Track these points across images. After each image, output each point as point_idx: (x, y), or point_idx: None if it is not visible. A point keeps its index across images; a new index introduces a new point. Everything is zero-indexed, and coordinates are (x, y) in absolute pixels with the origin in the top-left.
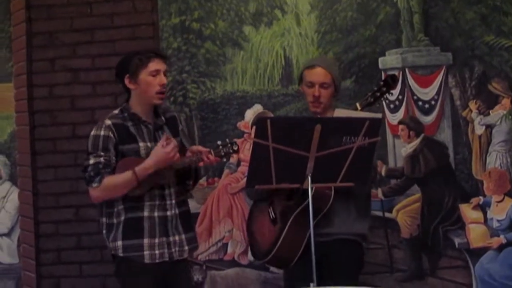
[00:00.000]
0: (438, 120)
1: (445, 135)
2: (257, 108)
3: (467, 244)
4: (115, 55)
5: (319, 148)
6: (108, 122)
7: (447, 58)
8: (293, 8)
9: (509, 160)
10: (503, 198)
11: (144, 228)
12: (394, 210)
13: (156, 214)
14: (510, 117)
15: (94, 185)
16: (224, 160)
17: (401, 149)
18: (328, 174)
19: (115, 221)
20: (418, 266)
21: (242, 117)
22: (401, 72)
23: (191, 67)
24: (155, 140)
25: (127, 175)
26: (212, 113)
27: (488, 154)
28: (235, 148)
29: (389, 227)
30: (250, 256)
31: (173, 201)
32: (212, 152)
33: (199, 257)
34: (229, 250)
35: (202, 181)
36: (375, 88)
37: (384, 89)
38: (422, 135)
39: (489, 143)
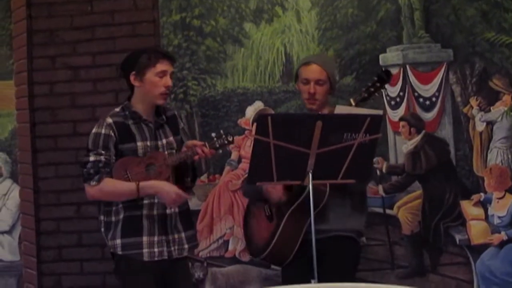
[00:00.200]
0: (439, 116)
1: (446, 132)
2: (258, 105)
3: (468, 240)
4: (116, 53)
5: (320, 145)
6: (109, 120)
7: (448, 55)
8: (294, 5)
9: (510, 156)
10: (504, 195)
11: (143, 226)
12: (395, 207)
13: (155, 212)
14: (511, 113)
15: (92, 183)
16: (220, 152)
17: (402, 145)
18: (329, 171)
19: (113, 219)
20: (419, 262)
21: (243, 114)
22: (401, 69)
23: (191, 64)
24: (155, 139)
25: (130, 186)
26: (212, 110)
27: (489, 151)
28: (230, 139)
29: (390, 224)
30: None
31: None
32: (207, 145)
33: (200, 254)
34: (230, 247)
35: (203, 178)
36: (369, 84)
37: (378, 84)
38: (423, 131)
39: (490, 139)
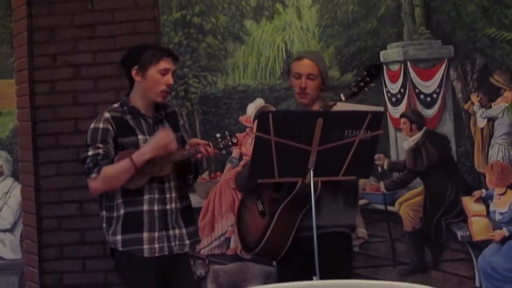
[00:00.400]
0: (440, 113)
1: (447, 128)
2: (259, 102)
3: (469, 237)
4: (116, 51)
5: (321, 142)
6: (106, 115)
7: (448, 51)
8: (294, 2)
9: (511, 153)
10: (506, 191)
11: (144, 222)
12: (396, 203)
13: (155, 207)
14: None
15: (93, 176)
16: (223, 152)
17: (403, 142)
18: (330, 167)
19: (114, 214)
20: (420, 259)
21: (244, 111)
22: (402, 66)
23: (192, 62)
24: (154, 133)
25: (124, 162)
26: (213, 107)
27: (490, 147)
28: (234, 141)
29: (392, 220)
30: None
31: (173, 195)
32: (211, 145)
33: (201, 252)
34: (232, 244)
35: (205, 175)
36: (359, 78)
37: (368, 79)
38: (424, 128)
39: (491, 136)
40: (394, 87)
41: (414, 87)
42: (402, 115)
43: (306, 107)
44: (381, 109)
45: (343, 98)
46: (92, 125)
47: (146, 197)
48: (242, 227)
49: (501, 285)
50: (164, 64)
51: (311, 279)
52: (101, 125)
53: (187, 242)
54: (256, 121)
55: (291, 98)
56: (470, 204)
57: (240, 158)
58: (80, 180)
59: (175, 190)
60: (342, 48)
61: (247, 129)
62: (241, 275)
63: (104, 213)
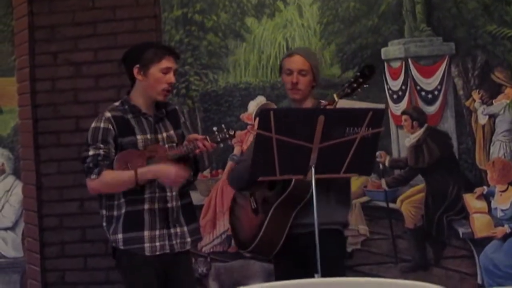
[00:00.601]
0: (441, 110)
1: (449, 125)
2: (260, 100)
3: (471, 234)
4: (117, 48)
5: (323, 139)
6: (108, 114)
7: (449, 48)
8: None
9: None
10: (507, 188)
11: (145, 220)
12: (398, 201)
13: (156, 206)
14: None
15: (93, 176)
16: (221, 145)
17: (404, 139)
18: (331, 165)
19: (115, 213)
20: (422, 256)
21: (245, 109)
22: (403, 63)
23: (193, 59)
24: (155, 132)
25: (128, 174)
26: (215, 105)
27: (491, 144)
28: (231, 133)
29: (393, 218)
30: None
31: (174, 193)
32: (208, 139)
33: (203, 249)
34: (234, 242)
35: (206, 173)
36: (352, 79)
37: (361, 80)
38: (426, 125)
39: (492, 132)
40: (395, 84)
41: (415, 84)
42: (403, 112)
43: (297, 103)
44: (383, 106)
45: (336, 99)
46: (93, 125)
47: (147, 195)
48: (235, 224)
49: (503, 282)
50: (166, 63)
51: (307, 274)
52: (102, 125)
53: (189, 240)
54: (257, 119)
55: None
56: (471, 201)
57: (242, 156)
58: (81, 178)
59: (176, 188)
60: (343, 46)
61: (249, 127)
62: (242, 272)
63: (104, 212)
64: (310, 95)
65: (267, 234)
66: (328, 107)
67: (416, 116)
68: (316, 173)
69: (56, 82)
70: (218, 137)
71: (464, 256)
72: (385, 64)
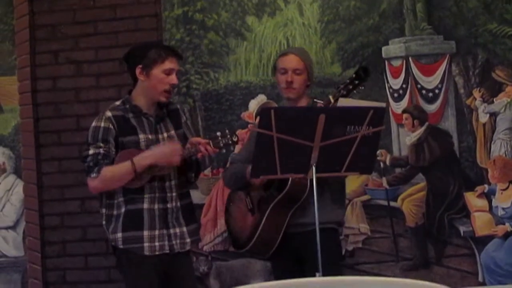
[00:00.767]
0: (442, 108)
1: (449, 124)
2: (261, 98)
3: (472, 232)
4: (118, 47)
5: (324, 138)
6: (108, 114)
7: (450, 47)
8: None
9: None
10: (508, 186)
11: (144, 220)
12: (399, 199)
13: (156, 206)
14: None
15: (93, 175)
16: (224, 151)
17: (405, 138)
18: (332, 163)
19: (115, 212)
20: (423, 254)
21: (246, 108)
22: (404, 61)
23: (194, 58)
24: (156, 132)
25: (124, 165)
26: (216, 103)
27: (492, 142)
28: (234, 139)
29: (394, 216)
30: None
31: (174, 194)
32: (211, 143)
33: (204, 248)
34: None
35: (207, 172)
36: (347, 81)
37: (357, 82)
38: (426, 123)
39: (493, 131)
40: (396, 83)
41: (416, 82)
42: (404, 111)
43: (292, 102)
44: (383, 104)
45: (332, 100)
46: (93, 124)
47: (146, 196)
48: (231, 224)
49: (504, 280)
50: (169, 64)
51: (304, 272)
52: (102, 124)
53: (188, 240)
54: (258, 118)
55: None
56: (472, 199)
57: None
58: (82, 177)
59: (176, 188)
60: (344, 44)
61: (249, 125)
62: (243, 271)
63: (103, 210)
64: (305, 94)
65: (264, 234)
66: None
67: (417, 114)
68: (317, 172)
69: (57, 81)
70: (221, 142)
71: (465, 254)
72: (386, 62)
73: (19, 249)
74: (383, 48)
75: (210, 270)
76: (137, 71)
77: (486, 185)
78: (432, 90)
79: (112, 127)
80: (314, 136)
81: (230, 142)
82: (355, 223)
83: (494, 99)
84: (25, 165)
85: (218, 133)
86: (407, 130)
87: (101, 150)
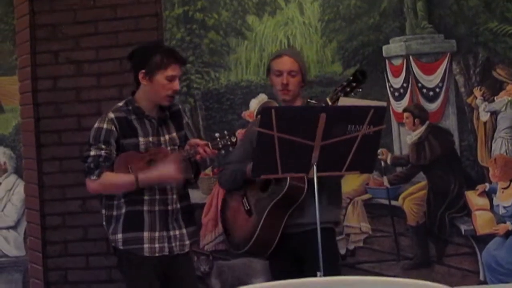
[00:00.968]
0: (443, 107)
1: (450, 122)
2: (262, 98)
3: (473, 231)
4: (119, 47)
5: (324, 137)
6: (111, 115)
7: (451, 45)
8: None
9: None
10: (509, 185)
11: (144, 221)
12: (400, 198)
13: (156, 208)
14: None
15: (93, 177)
16: (223, 152)
17: (406, 136)
18: (333, 163)
19: (115, 213)
20: (424, 253)
21: (247, 107)
22: (405, 60)
23: (195, 58)
24: (158, 134)
25: (128, 179)
26: (216, 103)
27: (493, 141)
28: (233, 140)
29: (395, 215)
30: None
31: (174, 196)
32: (210, 145)
33: (205, 248)
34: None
35: (208, 171)
36: (344, 83)
37: (354, 84)
38: (427, 122)
39: (494, 129)
40: (396, 82)
41: (417, 81)
42: (405, 110)
43: (288, 104)
44: (384, 103)
45: (329, 103)
46: (96, 125)
47: (147, 197)
48: (227, 226)
49: (505, 279)
50: (172, 71)
51: (302, 272)
52: (105, 126)
53: (187, 242)
54: (259, 117)
55: None
56: (473, 198)
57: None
58: (83, 177)
59: (176, 190)
60: (344, 43)
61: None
62: (245, 270)
63: (104, 211)
64: (299, 95)
65: (262, 235)
66: None
67: (418, 113)
68: (318, 171)
69: (58, 80)
70: (219, 143)
71: (466, 253)
72: (387, 61)
73: (20, 249)
74: (384, 47)
75: (211, 269)
76: (140, 75)
77: (487, 184)
78: (433, 89)
79: (114, 129)
80: (315, 135)
81: (229, 143)
82: (356, 222)
83: (495, 98)
84: (26, 165)
85: (217, 135)
86: (408, 129)
87: (103, 152)
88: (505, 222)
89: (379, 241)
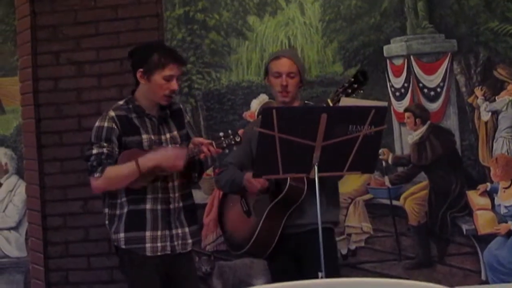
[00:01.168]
0: (444, 107)
1: (451, 122)
2: (263, 98)
3: (475, 230)
4: (120, 47)
5: (326, 137)
6: (112, 113)
7: (452, 45)
8: None
9: None
10: (510, 184)
11: (147, 220)
12: (401, 198)
13: (159, 207)
14: None
15: (96, 175)
16: (226, 151)
17: (407, 136)
18: (334, 163)
19: (117, 212)
20: (426, 253)
21: (248, 107)
22: (406, 60)
23: (195, 58)
24: (158, 133)
25: (129, 165)
26: (217, 103)
27: (494, 140)
28: (237, 139)
29: (397, 215)
30: None
31: (177, 194)
32: (214, 144)
33: (207, 248)
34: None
35: (209, 171)
36: (346, 84)
37: (356, 85)
38: (428, 122)
39: (495, 129)
40: (397, 82)
41: (418, 81)
42: (406, 110)
43: (287, 105)
44: (385, 103)
45: (330, 104)
46: (97, 124)
47: (149, 196)
48: (225, 227)
49: (507, 279)
50: (169, 71)
51: (301, 272)
52: (106, 124)
53: (190, 241)
54: (260, 117)
55: None
56: (475, 197)
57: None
58: (84, 178)
59: (179, 189)
60: (345, 43)
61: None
62: (246, 271)
63: (107, 210)
64: (297, 96)
65: (261, 235)
66: None
67: (419, 113)
68: (319, 171)
69: (59, 81)
70: (223, 142)
71: (468, 253)
72: (388, 61)
73: (21, 250)
74: (385, 47)
75: (212, 270)
76: (138, 74)
77: (488, 183)
78: (434, 89)
79: (115, 126)
80: (316, 135)
81: (233, 142)
82: (358, 222)
83: (496, 97)
84: (27, 165)
85: (221, 134)
86: (409, 128)
87: (105, 150)
88: (506, 222)
89: (380, 241)
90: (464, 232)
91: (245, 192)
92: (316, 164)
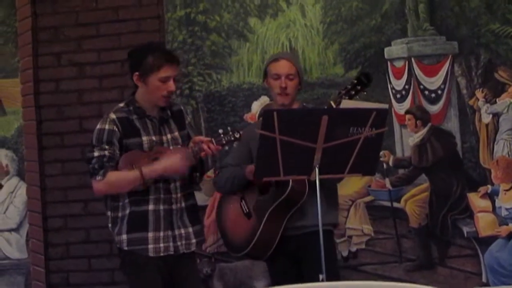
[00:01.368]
0: (445, 109)
1: (452, 124)
2: (264, 100)
3: (475, 232)
4: (121, 49)
5: (326, 139)
6: (112, 116)
7: (452, 47)
8: None
9: None
10: (511, 186)
11: (149, 221)
12: (402, 200)
13: (161, 207)
14: None
15: (98, 178)
16: (226, 148)
17: (408, 138)
18: (335, 165)
19: (120, 214)
20: (427, 255)
21: (249, 109)
22: (407, 62)
23: (196, 60)
24: (160, 133)
25: (133, 174)
26: (218, 105)
27: (495, 143)
28: (237, 136)
29: (398, 217)
30: None
31: (179, 195)
32: (214, 141)
33: (208, 250)
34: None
35: (210, 173)
36: (349, 86)
37: (359, 87)
38: (429, 124)
39: (496, 131)
40: (398, 84)
41: (419, 83)
42: (407, 112)
43: (286, 108)
44: (386, 106)
45: (333, 105)
46: (98, 126)
47: (151, 197)
48: (225, 229)
49: (508, 281)
50: (165, 72)
51: (301, 274)
52: (107, 126)
53: (194, 241)
54: (261, 119)
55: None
56: (476, 200)
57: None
58: (85, 179)
59: (181, 189)
60: (346, 45)
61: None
62: (247, 273)
63: (109, 213)
64: (296, 99)
65: (262, 237)
66: None
67: (420, 115)
68: (320, 173)
69: (60, 83)
70: (223, 139)
71: (468, 255)
72: (388, 63)
73: (22, 251)
74: (386, 49)
75: (213, 271)
76: (135, 78)
77: (489, 186)
78: (435, 91)
79: (116, 129)
80: (317, 137)
81: (233, 138)
82: (358, 224)
83: (497, 100)
84: (28, 167)
85: (220, 131)
86: (410, 131)
87: (106, 153)
88: (507, 224)
89: (381, 243)
90: (465, 234)
91: (246, 190)
92: (317, 166)
